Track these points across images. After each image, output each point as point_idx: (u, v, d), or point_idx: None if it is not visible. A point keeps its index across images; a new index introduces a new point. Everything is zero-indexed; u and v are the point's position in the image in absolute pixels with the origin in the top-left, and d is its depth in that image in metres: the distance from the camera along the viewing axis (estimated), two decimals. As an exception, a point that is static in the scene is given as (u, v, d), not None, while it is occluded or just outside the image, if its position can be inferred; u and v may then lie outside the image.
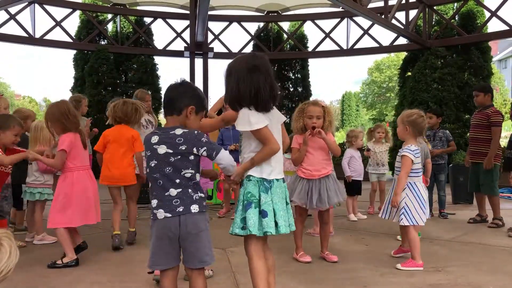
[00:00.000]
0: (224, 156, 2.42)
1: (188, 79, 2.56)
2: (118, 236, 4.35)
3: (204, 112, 2.55)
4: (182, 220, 2.31)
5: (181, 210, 2.32)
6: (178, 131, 2.34)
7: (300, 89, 13.74)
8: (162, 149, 2.33)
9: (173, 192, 2.33)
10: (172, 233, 2.32)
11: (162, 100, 2.54)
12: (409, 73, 11.83)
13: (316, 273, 3.61)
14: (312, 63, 15.68)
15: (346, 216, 6.09)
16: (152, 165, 2.36)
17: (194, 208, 2.34)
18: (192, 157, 2.35)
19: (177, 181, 2.33)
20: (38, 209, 4.70)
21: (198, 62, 12.19)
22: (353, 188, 6.15)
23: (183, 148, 2.32)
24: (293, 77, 13.81)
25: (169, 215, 2.31)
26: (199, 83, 12.13)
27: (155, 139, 2.36)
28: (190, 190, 2.35)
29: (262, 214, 2.51)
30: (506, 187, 7.50)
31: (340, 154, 4.04)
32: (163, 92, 12.87)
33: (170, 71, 13.91)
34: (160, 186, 2.35)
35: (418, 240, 3.81)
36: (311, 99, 8.97)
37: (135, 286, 3.33)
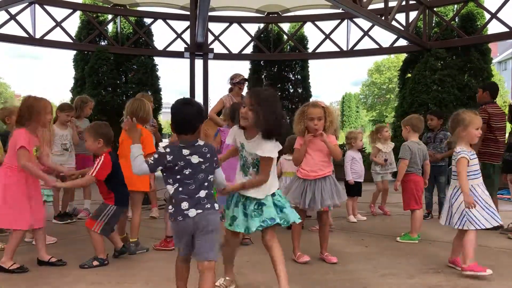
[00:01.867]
0: (221, 172, 2.90)
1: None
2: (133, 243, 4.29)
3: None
4: (206, 215, 2.67)
5: (208, 207, 2.70)
6: (201, 143, 2.77)
7: (300, 90, 13.74)
8: (195, 159, 2.71)
9: (202, 193, 2.71)
10: (189, 228, 2.68)
11: (173, 119, 2.78)
12: (409, 75, 11.83)
13: (315, 274, 3.61)
14: (312, 64, 15.69)
15: (346, 217, 6.09)
16: (187, 173, 2.69)
17: (216, 206, 2.75)
18: (214, 165, 2.81)
19: (206, 184, 2.74)
20: (38, 209, 4.69)
21: (198, 63, 12.20)
22: (353, 189, 6.15)
23: (209, 156, 2.76)
24: (293, 78, 13.81)
25: (200, 211, 2.67)
26: (199, 84, 12.16)
27: (186, 151, 2.70)
28: (212, 192, 2.77)
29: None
30: (505, 188, 7.50)
31: (341, 158, 4.05)
32: (163, 93, 13.05)
33: (170, 72, 13.92)
34: (192, 190, 2.69)
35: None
36: (311, 100, 8.97)
37: (134, 287, 3.33)
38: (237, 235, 3.19)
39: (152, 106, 6.33)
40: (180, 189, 2.69)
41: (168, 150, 2.67)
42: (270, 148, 2.93)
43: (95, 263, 3.82)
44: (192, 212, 2.65)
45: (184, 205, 2.66)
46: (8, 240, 3.82)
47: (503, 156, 5.50)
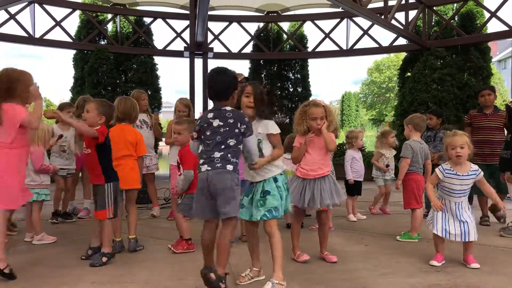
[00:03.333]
0: (252, 139, 3.11)
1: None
2: (118, 242, 4.27)
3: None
4: (215, 173, 2.98)
5: (219, 166, 2.99)
6: (228, 108, 3.09)
7: (299, 89, 13.74)
8: (216, 122, 3.05)
9: (217, 154, 3.02)
10: (204, 187, 3.00)
11: (208, 86, 3.12)
12: (409, 74, 11.83)
13: (315, 273, 3.61)
14: (312, 63, 15.71)
15: (346, 216, 6.09)
16: (208, 133, 3.06)
17: (229, 167, 3.00)
18: (236, 130, 3.04)
19: (222, 147, 3.02)
20: (36, 209, 4.70)
21: (198, 62, 12.19)
22: (353, 188, 6.16)
23: (231, 121, 3.04)
24: (292, 77, 13.81)
25: (209, 168, 3.00)
26: (198, 83, 12.15)
27: (211, 115, 3.08)
28: (229, 155, 3.01)
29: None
30: None
31: (334, 149, 4.07)
32: (163, 92, 13.08)
33: (170, 71, 13.93)
34: (209, 150, 3.04)
35: None
36: (310, 99, 9.00)
37: (134, 286, 3.33)
38: (254, 225, 3.39)
39: (144, 98, 6.32)
40: (201, 148, 3.10)
41: (200, 115, 2.93)
42: (272, 125, 3.29)
43: (104, 259, 3.83)
44: (204, 168, 3.02)
45: (201, 161, 3.07)
46: None
47: (500, 154, 5.49)
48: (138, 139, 4.49)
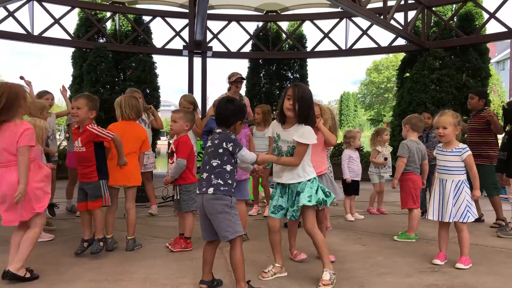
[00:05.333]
0: (244, 153, 3.09)
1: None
2: (110, 239, 4.26)
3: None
4: (205, 199, 3.01)
5: (203, 190, 3.03)
6: (219, 131, 3.12)
7: (298, 89, 13.73)
8: (208, 144, 3.14)
9: (204, 175, 3.07)
10: (201, 209, 3.07)
11: (216, 112, 3.21)
12: (407, 74, 11.84)
13: (313, 272, 3.62)
14: (311, 63, 15.74)
15: (344, 216, 6.10)
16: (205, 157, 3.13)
17: (210, 190, 3.00)
18: (220, 150, 3.04)
19: (207, 167, 3.06)
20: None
21: (197, 61, 12.19)
22: (351, 188, 6.16)
23: (216, 142, 3.07)
24: (291, 77, 13.80)
25: (198, 192, 3.10)
26: (197, 82, 12.15)
27: (211, 137, 3.15)
28: (212, 176, 3.01)
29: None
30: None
31: (335, 143, 4.12)
32: (161, 90, 13.09)
33: (169, 70, 13.94)
34: (202, 170, 3.09)
35: None
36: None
37: (132, 284, 3.33)
38: (276, 222, 3.48)
39: (139, 97, 6.29)
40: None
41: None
42: (307, 135, 3.27)
43: (101, 243, 4.02)
44: (197, 190, 3.11)
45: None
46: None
47: (497, 155, 5.51)
48: (146, 136, 4.58)
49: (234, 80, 6.66)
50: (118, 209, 4.48)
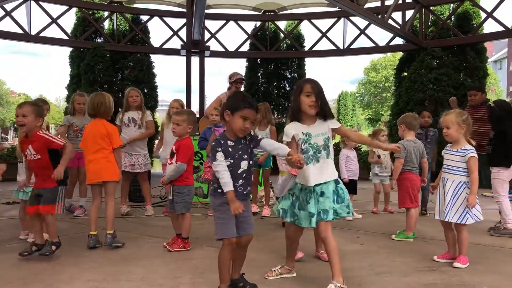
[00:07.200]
0: (267, 143, 3.03)
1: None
2: (93, 236, 4.28)
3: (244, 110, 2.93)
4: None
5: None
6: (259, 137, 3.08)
7: (296, 89, 13.74)
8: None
9: None
10: None
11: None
12: (405, 73, 11.85)
13: (311, 272, 3.61)
14: (309, 62, 15.70)
15: (342, 215, 6.09)
16: None
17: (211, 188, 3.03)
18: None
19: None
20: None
21: (195, 60, 12.18)
22: (348, 187, 6.12)
23: None
24: (289, 76, 13.81)
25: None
26: (195, 82, 12.13)
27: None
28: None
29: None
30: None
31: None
32: (159, 90, 13.05)
33: (167, 70, 13.90)
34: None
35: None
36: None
37: (130, 284, 3.32)
38: (298, 230, 3.37)
39: (132, 95, 6.21)
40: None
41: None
42: (335, 121, 3.30)
43: (54, 247, 3.96)
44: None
45: None
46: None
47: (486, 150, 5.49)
48: (110, 131, 4.43)
49: (235, 80, 6.75)
50: (117, 210, 4.48)
